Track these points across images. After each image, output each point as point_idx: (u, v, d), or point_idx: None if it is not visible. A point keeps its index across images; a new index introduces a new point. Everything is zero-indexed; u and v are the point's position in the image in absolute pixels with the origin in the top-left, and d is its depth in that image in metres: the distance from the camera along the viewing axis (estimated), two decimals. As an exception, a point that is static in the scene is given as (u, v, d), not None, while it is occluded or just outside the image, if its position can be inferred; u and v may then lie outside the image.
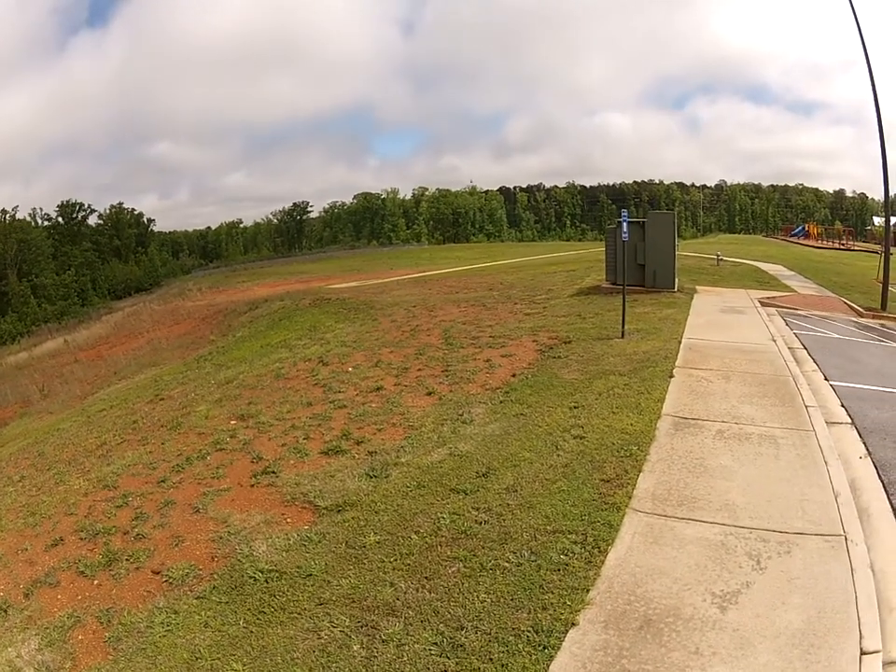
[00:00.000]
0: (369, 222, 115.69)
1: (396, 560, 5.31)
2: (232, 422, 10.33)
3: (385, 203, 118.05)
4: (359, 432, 8.57)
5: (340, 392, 10.67)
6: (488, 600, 4.59)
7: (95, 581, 6.26)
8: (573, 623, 4.20)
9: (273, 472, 7.72)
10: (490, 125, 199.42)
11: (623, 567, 4.74)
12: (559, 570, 4.76)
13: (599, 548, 4.99)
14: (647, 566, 4.74)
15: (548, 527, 5.37)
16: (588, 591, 4.50)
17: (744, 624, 4.04)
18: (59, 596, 6.18)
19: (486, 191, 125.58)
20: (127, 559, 6.33)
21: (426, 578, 4.97)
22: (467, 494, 6.24)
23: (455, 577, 4.90)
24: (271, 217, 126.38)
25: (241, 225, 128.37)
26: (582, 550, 4.98)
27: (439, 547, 5.37)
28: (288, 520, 6.54)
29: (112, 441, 11.24)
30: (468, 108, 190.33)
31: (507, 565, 4.92)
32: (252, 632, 4.79)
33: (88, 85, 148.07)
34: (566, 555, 4.93)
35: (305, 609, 4.92)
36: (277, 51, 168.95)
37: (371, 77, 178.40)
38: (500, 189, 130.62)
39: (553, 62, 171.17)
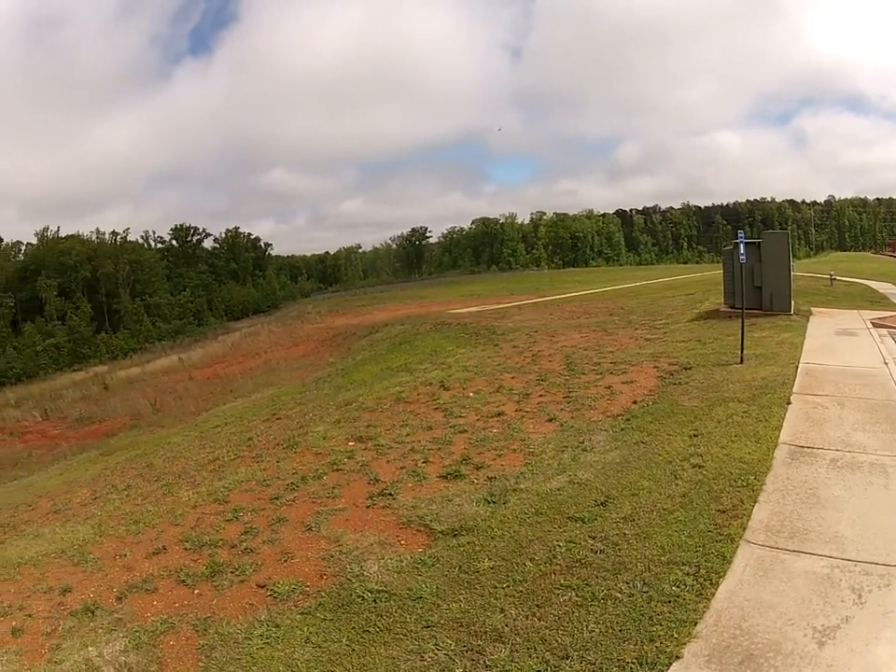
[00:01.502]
0: (488, 247, 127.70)
1: (508, 586, 5.83)
2: (351, 443, 11.41)
3: (503, 228, 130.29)
4: (479, 457, 9.43)
5: (461, 417, 11.75)
6: (597, 630, 5.03)
7: (196, 591, 7.03)
8: (677, 657, 4.60)
9: (390, 494, 8.56)
10: (602, 148, 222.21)
11: (731, 601, 5.20)
12: (670, 602, 5.21)
13: (711, 580, 5.45)
14: (755, 599, 5.19)
15: (662, 558, 5.87)
16: (696, 624, 4.93)
17: (837, 660, 4.44)
18: (154, 602, 6.98)
19: (603, 215, 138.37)
20: (232, 571, 7.22)
21: (537, 605, 5.46)
22: (584, 522, 6.84)
23: (566, 605, 5.38)
24: (390, 242, 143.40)
25: (360, 250, 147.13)
26: (694, 582, 5.45)
27: (552, 575, 5.89)
28: (402, 542, 7.21)
29: (225, 457, 12.66)
30: (579, 133, 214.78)
31: (619, 595, 5.39)
32: (354, 650, 5.32)
33: (195, 113, 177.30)
34: (677, 587, 5.41)
35: (411, 630, 5.44)
36: (388, 81, 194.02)
37: (483, 103, 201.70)
38: (617, 212, 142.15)
39: (658, 84, 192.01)
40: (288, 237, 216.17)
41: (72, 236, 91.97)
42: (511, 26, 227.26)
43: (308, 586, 6.59)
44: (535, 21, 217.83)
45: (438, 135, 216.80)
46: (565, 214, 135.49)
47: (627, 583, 5.55)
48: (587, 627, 5.06)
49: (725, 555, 5.80)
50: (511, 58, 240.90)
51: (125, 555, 8.38)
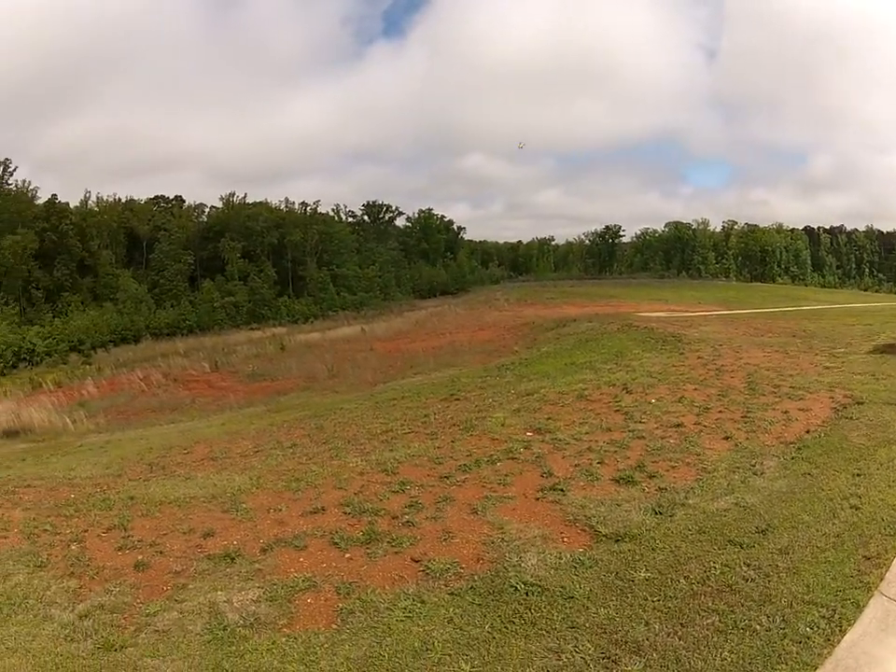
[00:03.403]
0: (679, 252, 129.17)
1: (658, 601, 6.17)
2: (528, 433, 11.93)
3: (695, 234, 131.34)
4: (653, 466, 9.82)
5: (640, 423, 12.22)
6: (729, 659, 5.31)
7: (347, 555, 7.56)
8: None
9: (561, 490, 9.02)
10: (795, 159, 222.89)
11: (850, 651, 5.36)
12: (800, 643, 5.43)
13: (840, 627, 5.62)
14: (871, 654, 5.34)
15: (805, 596, 6.09)
16: (816, 668, 5.17)
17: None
18: (301, 559, 7.56)
19: (791, 230, 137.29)
20: (388, 542, 7.78)
21: (681, 624, 5.78)
22: (742, 548, 7.12)
23: (708, 629, 5.68)
24: (583, 237, 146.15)
25: (552, 242, 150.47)
26: (826, 626, 5.62)
27: (702, 596, 6.20)
28: (565, 539, 7.59)
29: (399, 430, 13.58)
30: (773, 140, 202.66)
31: (758, 627, 5.64)
32: (494, 638, 5.73)
33: (391, 94, 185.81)
34: (811, 628, 5.60)
35: (555, 629, 5.81)
36: (586, 73, 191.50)
37: (679, 103, 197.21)
38: (805, 229, 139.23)
39: (852, 95, 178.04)
40: (483, 223, 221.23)
41: (259, 203, 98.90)
42: (705, 26, 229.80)
43: (463, 568, 7.00)
44: (728, 21, 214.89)
45: (634, 132, 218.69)
46: (755, 225, 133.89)
47: (768, 616, 5.77)
48: (721, 654, 5.33)
49: (859, 603, 5.95)
50: (705, 58, 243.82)
51: (280, 510, 9.13)
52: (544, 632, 5.71)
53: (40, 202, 75.30)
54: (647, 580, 6.46)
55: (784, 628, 5.57)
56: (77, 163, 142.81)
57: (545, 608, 6.07)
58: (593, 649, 5.42)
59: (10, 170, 73.55)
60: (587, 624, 5.77)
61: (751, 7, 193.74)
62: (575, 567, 6.79)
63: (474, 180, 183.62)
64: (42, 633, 6.42)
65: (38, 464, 15.62)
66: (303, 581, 6.97)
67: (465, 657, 5.47)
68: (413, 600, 6.39)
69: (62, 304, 70.40)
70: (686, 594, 6.21)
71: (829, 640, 5.39)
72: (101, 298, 74.89)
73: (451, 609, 6.19)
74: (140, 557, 7.95)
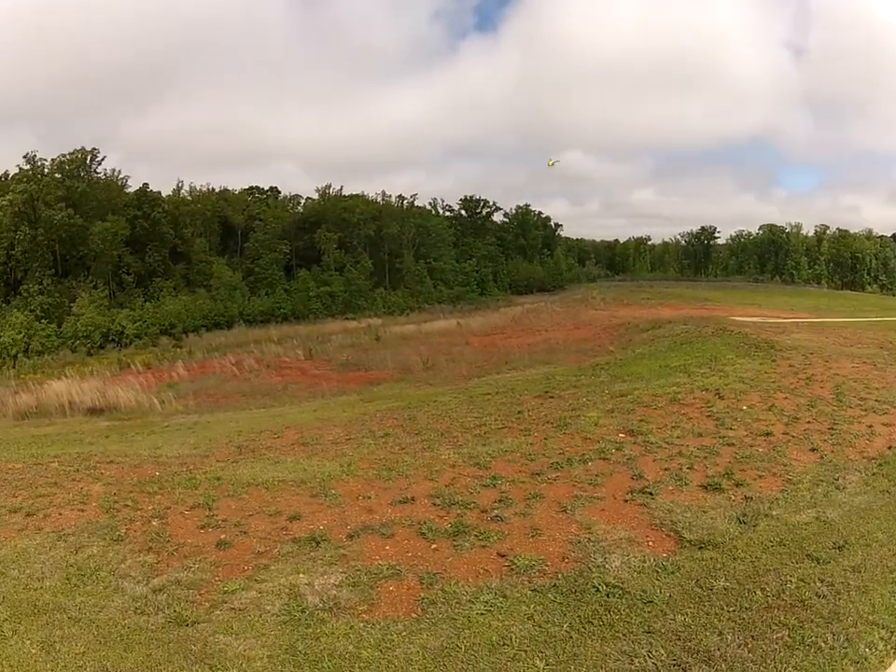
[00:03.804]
0: (773, 256, 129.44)
1: (734, 611, 6.24)
2: (621, 435, 12.04)
3: (788, 238, 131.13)
4: (741, 474, 9.90)
5: (731, 429, 12.35)
6: None
7: (433, 546, 7.68)
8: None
9: (650, 493, 9.12)
10: (886, 164, 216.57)
11: None
12: (857, 663, 5.50)
13: None
14: None
15: (870, 617, 6.13)
16: None
17: None
18: (387, 547, 7.69)
19: (881, 237, 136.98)
20: (476, 535, 7.89)
21: (752, 636, 5.83)
22: (818, 563, 7.18)
23: (776, 643, 5.72)
24: (679, 237, 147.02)
25: (649, 242, 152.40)
26: (884, 647, 5.67)
27: (776, 609, 6.26)
28: (650, 543, 7.67)
29: (492, 425, 13.75)
30: (865, 144, 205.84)
31: (822, 645, 5.68)
32: (571, 637, 5.85)
33: (486, 89, 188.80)
34: (869, 649, 5.65)
35: (631, 632, 5.92)
36: (679, 71, 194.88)
37: (771, 103, 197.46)
38: (893, 236, 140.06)
39: None
40: (579, 220, 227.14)
41: (356, 195, 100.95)
42: (792, 24, 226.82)
43: (548, 565, 7.10)
44: (815, 18, 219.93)
45: (728, 132, 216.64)
46: (846, 231, 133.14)
47: (834, 635, 5.81)
48: (785, 670, 5.40)
49: (918, 626, 6.06)
50: (794, 58, 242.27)
51: (369, 498, 9.35)
52: (620, 635, 5.82)
53: (131, 190, 78.34)
54: (725, 589, 6.56)
55: (846, 647, 5.63)
56: (169, 153, 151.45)
57: (624, 611, 6.18)
58: (665, 655, 5.54)
59: (98, 159, 75.77)
60: (663, 630, 5.88)
61: (839, 4, 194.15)
62: (657, 572, 6.90)
63: (571, 177, 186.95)
64: (111, 605, 6.63)
65: (122, 441, 16.23)
66: (387, 568, 7.10)
67: (540, 655, 5.57)
68: (496, 594, 6.49)
69: (153, 289, 73.09)
70: (761, 606, 6.27)
71: (882, 662, 5.49)
72: (194, 284, 77.57)
73: (532, 606, 6.29)
74: (223, 536, 8.16)
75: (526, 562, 7.06)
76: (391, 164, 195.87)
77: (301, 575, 7.03)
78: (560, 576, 6.81)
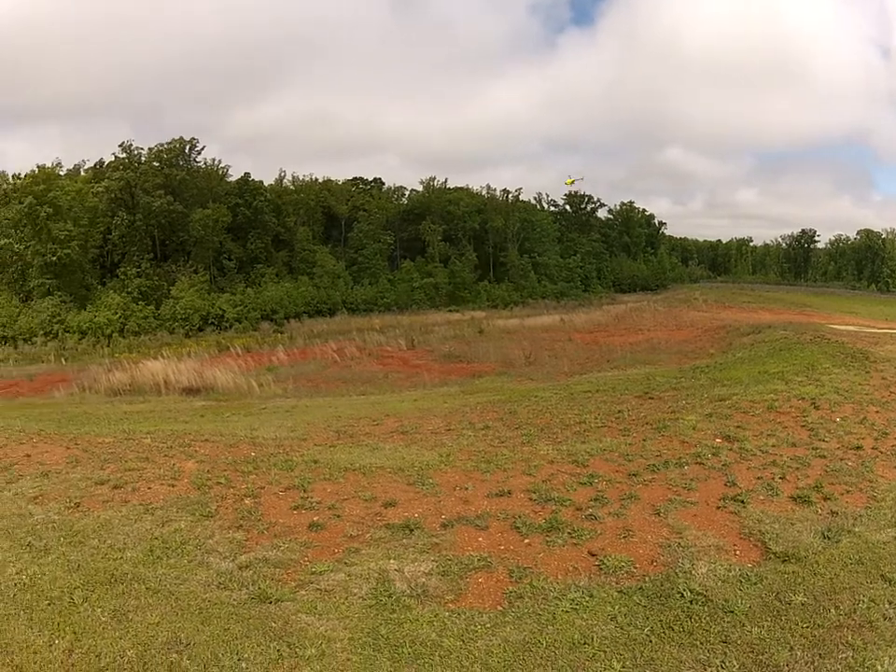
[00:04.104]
0: (870, 262, 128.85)
1: (807, 628, 6.20)
2: (717, 440, 11.92)
3: (884, 244, 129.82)
4: (830, 488, 9.75)
5: (823, 441, 12.14)
6: None
7: (526, 541, 7.74)
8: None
9: (742, 502, 9.07)
10: None
11: None
12: None
13: None
14: None
15: None
16: None
17: None
18: (479, 539, 7.79)
19: None
20: (569, 532, 7.92)
21: (819, 655, 5.80)
22: (890, 584, 7.03)
23: (840, 663, 5.71)
24: (780, 240, 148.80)
25: (750, 244, 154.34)
26: None
27: (844, 629, 6.19)
28: (737, 552, 7.65)
29: (592, 423, 13.78)
30: None
31: (880, 668, 5.63)
32: (650, 642, 5.92)
33: (584, 82, 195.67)
34: None
35: (709, 641, 5.95)
36: (776, 70, 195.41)
37: (864, 103, 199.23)
38: None
39: None
40: (682, 219, 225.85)
41: (460, 188, 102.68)
42: (877, 22, 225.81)
43: (636, 568, 7.16)
44: None
45: (824, 132, 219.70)
46: None
47: (891, 658, 5.74)
48: None
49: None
50: (882, 56, 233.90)
51: (466, 489, 9.49)
52: (698, 643, 5.87)
53: (232, 179, 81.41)
54: (802, 604, 6.52)
55: (899, 673, 5.69)
56: (271, 145, 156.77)
57: (705, 619, 6.22)
58: (738, 667, 5.58)
59: (198, 148, 79.13)
60: (738, 642, 5.89)
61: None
62: (741, 582, 6.88)
63: (674, 175, 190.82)
64: (193, 578, 6.88)
65: (217, 421, 16.84)
66: (478, 560, 7.20)
67: (618, 656, 5.65)
68: (583, 593, 6.55)
69: (255, 275, 75.85)
70: (832, 624, 6.22)
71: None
72: (297, 271, 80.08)
73: (616, 607, 6.36)
74: (316, 518, 8.38)
75: (616, 562, 7.11)
76: (492, 159, 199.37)
77: (392, 561, 7.17)
78: (647, 579, 6.87)
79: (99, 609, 6.23)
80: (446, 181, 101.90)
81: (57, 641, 5.82)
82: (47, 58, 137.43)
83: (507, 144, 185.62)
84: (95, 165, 77.62)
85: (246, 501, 8.99)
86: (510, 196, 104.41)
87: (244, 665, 5.54)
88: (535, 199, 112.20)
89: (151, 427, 15.11)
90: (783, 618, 6.26)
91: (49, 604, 6.41)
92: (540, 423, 14.07)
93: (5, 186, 72.70)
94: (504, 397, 19.42)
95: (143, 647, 5.72)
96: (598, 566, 7.08)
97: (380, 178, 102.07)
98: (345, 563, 7.15)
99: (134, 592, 6.57)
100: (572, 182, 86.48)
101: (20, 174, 70.86)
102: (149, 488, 9.67)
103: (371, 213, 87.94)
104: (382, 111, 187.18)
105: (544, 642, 5.79)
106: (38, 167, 68.21)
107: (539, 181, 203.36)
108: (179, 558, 7.34)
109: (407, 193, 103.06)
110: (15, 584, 6.85)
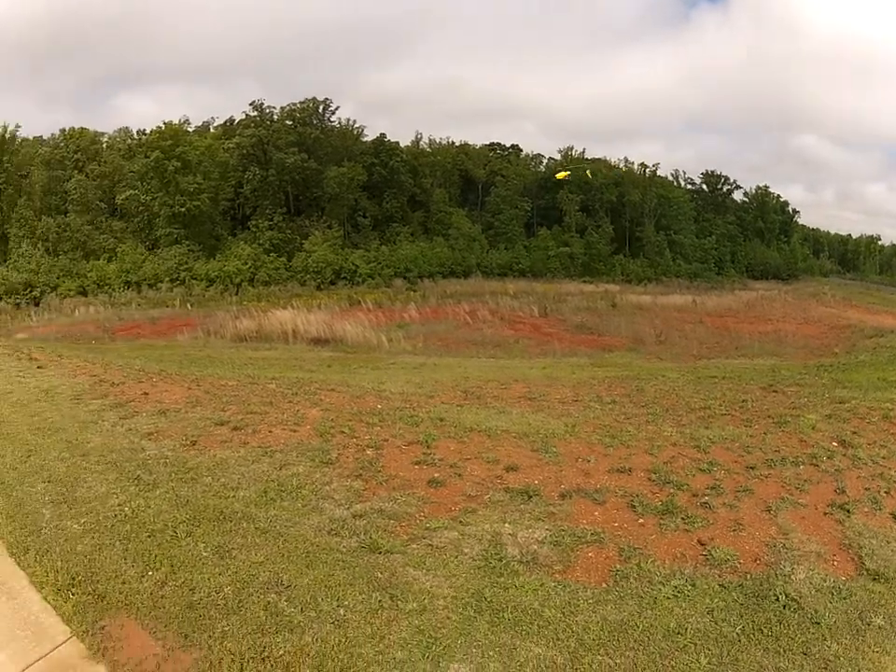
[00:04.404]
0: None
1: (877, 654, 5.98)
2: (834, 444, 11.43)
3: None
4: None
5: None
6: None
7: (640, 521, 7.77)
8: None
9: (847, 511, 8.60)
10: None
11: None
12: None
13: None
14: None
15: None
16: None
17: None
18: (595, 513, 7.87)
19: None
20: (683, 518, 7.87)
21: None
22: None
23: None
24: None
25: (878, 242, 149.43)
26: None
27: None
28: (835, 563, 7.41)
29: (716, 410, 13.55)
30: None
31: None
32: (739, 641, 5.85)
33: (717, 61, 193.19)
34: None
35: (791, 650, 5.83)
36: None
37: None
38: None
39: None
40: (813, 208, 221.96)
41: (598, 159, 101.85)
42: None
43: (740, 563, 7.05)
44: None
45: None
46: None
47: None
48: None
49: None
50: None
51: (588, 461, 9.55)
52: (781, 650, 5.79)
53: (367, 139, 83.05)
54: (879, 627, 6.29)
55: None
56: (407, 107, 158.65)
57: (793, 627, 6.11)
58: None
59: (332, 108, 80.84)
60: (817, 656, 5.79)
61: None
62: (832, 595, 6.70)
63: (807, 162, 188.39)
64: (305, 522, 7.19)
65: (345, 372, 17.43)
66: (591, 534, 7.27)
67: (707, 651, 5.66)
68: (686, 581, 6.55)
69: (390, 233, 77.25)
70: None
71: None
72: (432, 232, 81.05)
73: (715, 601, 6.33)
74: (436, 475, 8.62)
75: (722, 555, 7.05)
76: (629, 132, 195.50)
77: (507, 525, 7.34)
78: (749, 577, 6.78)
79: (202, 545, 6.62)
80: (584, 151, 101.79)
81: (150, 573, 6.21)
82: (177, 18, 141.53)
83: (644, 118, 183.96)
84: (225, 123, 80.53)
85: (368, 452, 9.30)
86: (647, 171, 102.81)
87: (342, 611, 5.80)
88: (672, 175, 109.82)
89: (276, 374, 15.76)
90: (860, 639, 6.13)
91: (148, 536, 6.84)
92: (666, 403, 14.01)
93: (129, 141, 76.00)
94: (632, 373, 19.45)
95: (241, 584, 6.07)
96: (705, 556, 7.04)
97: (517, 145, 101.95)
98: (460, 522, 7.35)
99: (242, 531, 6.93)
100: (564, 176, 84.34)
101: (144, 130, 73.86)
102: (270, 432, 10.13)
103: (508, 178, 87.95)
104: (520, 79, 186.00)
105: (641, 626, 5.87)
106: (165, 123, 70.33)
107: (672, 158, 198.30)
108: (293, 501, 7.69)
109: (545, 161, 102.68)
110: (115, 515, 7.32)
